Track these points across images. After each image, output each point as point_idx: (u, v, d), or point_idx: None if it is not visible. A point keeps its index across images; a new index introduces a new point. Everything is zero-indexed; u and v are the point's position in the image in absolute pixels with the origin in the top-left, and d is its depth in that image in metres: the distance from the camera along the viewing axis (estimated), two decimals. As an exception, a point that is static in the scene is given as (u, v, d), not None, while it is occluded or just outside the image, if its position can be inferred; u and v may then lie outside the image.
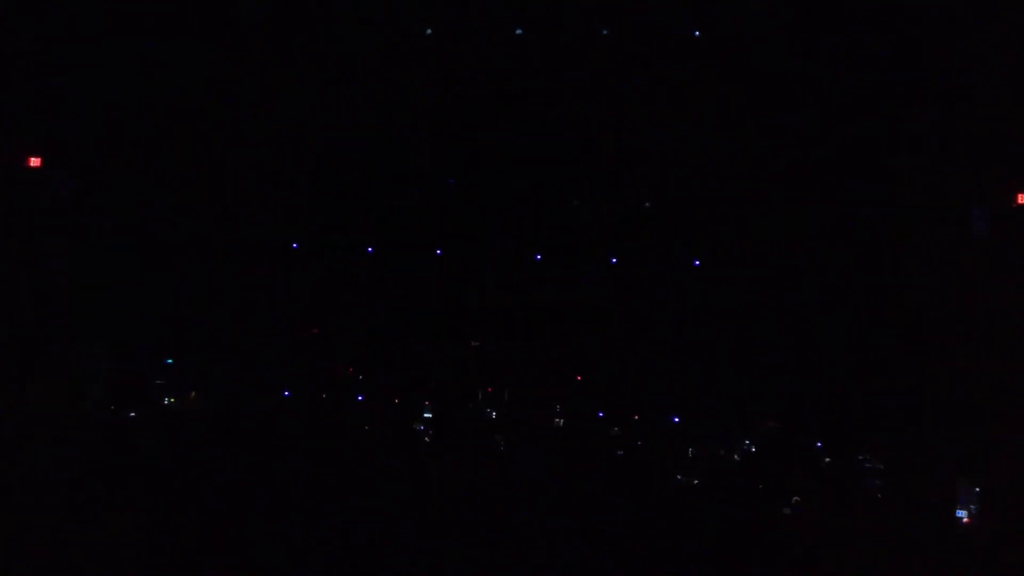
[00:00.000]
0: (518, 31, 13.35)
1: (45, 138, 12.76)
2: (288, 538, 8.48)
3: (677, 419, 12.91)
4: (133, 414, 12.37)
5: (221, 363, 13.24)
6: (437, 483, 10.54)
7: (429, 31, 13.47)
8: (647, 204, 13.79)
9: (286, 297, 13.76)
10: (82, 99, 13.00)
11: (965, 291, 11.54)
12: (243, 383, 13.14)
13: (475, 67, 13.47)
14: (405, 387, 13.35)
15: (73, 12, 12.73)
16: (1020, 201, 11.45)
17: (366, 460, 11.20)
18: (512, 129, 13.66)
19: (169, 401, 12.89)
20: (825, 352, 12.43)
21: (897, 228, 12.19)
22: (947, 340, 11.29)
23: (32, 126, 12.71)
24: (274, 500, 9.22)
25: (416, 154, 13.93)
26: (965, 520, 7.74)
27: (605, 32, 13.32)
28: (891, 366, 11.79)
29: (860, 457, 11.43)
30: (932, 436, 10.33)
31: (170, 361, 13.16)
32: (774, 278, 13.08)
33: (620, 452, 12.45)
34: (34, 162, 13.33)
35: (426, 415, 12.89)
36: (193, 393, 13.14)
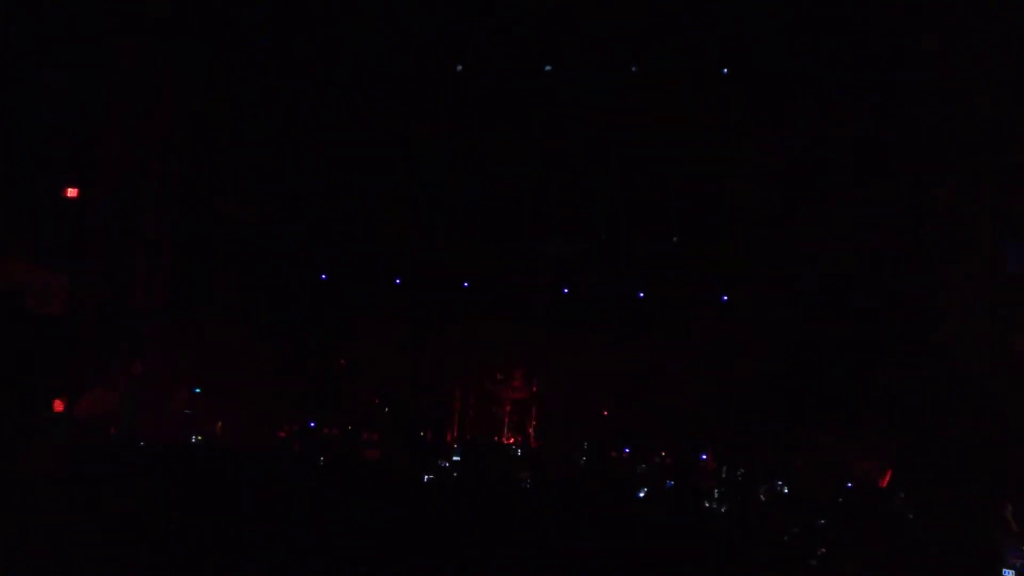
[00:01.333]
0: (547, 67, 13.48)
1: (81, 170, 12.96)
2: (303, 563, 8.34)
3: (705, 456, 12.75)
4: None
5: (248, 394, 13.27)
6: (458, 519, 10.37)
7: (460, 67, 13.63)
8: (675, 239, 13.80)
9: (314, 328, 13.85)
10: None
11: (1000, 330, 11.34)
12: (269, 414, 13.16)
13: (504, 102, 13.58)
14: (432, 422, 13.32)
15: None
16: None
17: (388, 492, 11.06)
18: (538, 161, 13.72)
19: (196, 439, 12.92)
20: (858, 391, 12.25)
21: (929, 263, 12.04)
22: (988, 386, 11.04)
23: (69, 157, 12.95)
24: (291, 528, 9.06)
25: (444, 187, 14.04)
26: None
27: (634, 69, 13.40)
28: (929, 408, 11.53)
29: (898, 505, 11.15)
30: (974, 488, 10.04)
31: (197, 390, 13.22)
32: (806, 316, 12.97)
33: (644, 490, 12.24)
34: (71, 192, 13.59)
35: (455, 458, 12.68)
36: (220, 423, 13.16)
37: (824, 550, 9.82)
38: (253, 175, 14.18)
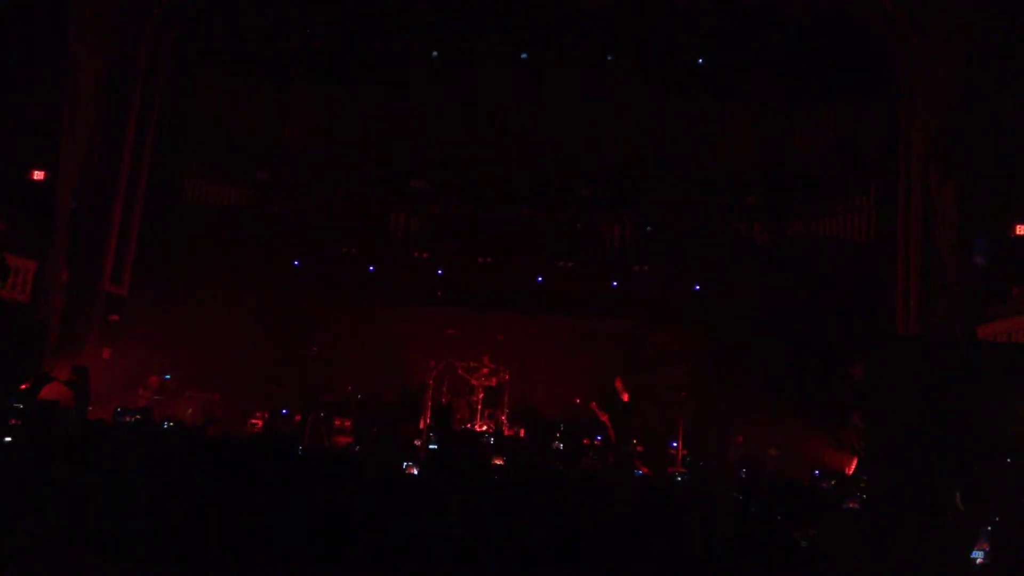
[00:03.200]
0: (523, 55, 13.48)
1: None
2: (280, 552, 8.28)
3: (675, 444, 12.86)
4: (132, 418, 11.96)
5: (220, 380, 13.16)
6: (437, 504, 10.36)
7: (435, 53, 13.59)
8: (648, 228, 13.90)
9: (286, 315, 13.78)
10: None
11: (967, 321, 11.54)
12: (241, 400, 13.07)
13: (482, 89, 13.56)
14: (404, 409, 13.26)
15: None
16: (1019, 232, 11.50)
17: (362, 480, 10.99)
18: (513, 151, 13.73)
19: (168, 425, 12.75)
20: (826, 382, 12.42)
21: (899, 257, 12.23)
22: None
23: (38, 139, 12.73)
24: (266, 516, 8.99)
25: (419, 176, 14.02)
26: (979, 561, 7.48)
27: (610, 58, 13.46)
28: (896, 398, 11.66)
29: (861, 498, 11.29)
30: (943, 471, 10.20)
31: (168, 377, 13.07)
32: (778, 306, 13.13)
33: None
34: (38, 175, 13.34)
35: (431, 446, 12.63)
36: (190, 411, 13.00)
37: (813, 532, 9.89)
38: (225, 161, 14.05)
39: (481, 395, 13.34)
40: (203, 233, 13.89)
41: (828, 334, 12.51)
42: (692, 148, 13.38)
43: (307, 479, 10.35)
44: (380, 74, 13.59)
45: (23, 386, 11.77)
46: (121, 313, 13.42)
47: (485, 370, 13.28)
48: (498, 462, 11.39)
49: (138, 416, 11.26)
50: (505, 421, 13.33)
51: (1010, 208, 11.82)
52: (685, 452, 12.82)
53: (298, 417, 13.06)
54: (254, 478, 9.88)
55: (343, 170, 14.10)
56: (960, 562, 8.25)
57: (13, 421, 9.84)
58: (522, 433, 13.17)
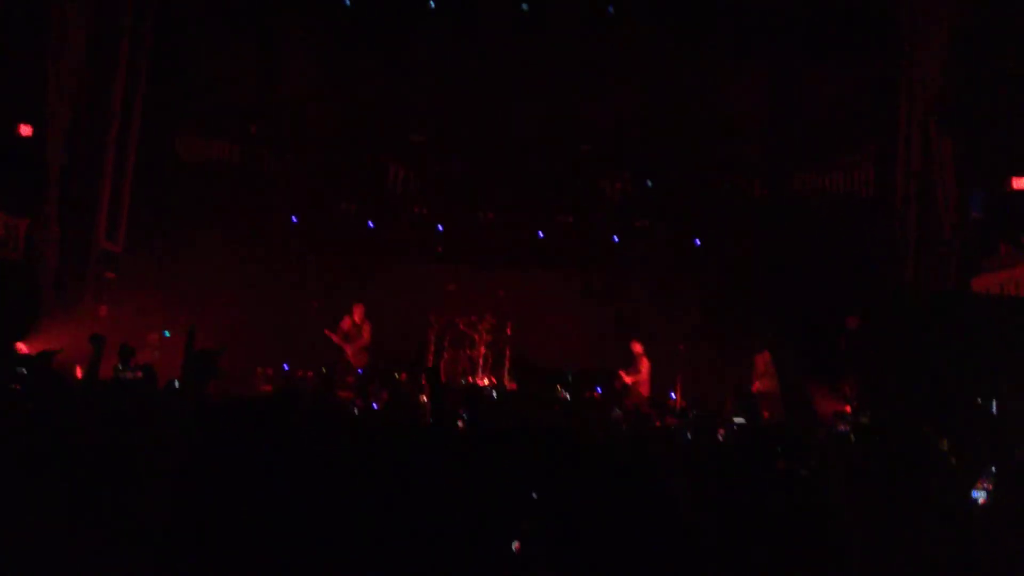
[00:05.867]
0: (523, 6, 13.28)
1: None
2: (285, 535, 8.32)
3: (673, 395, 13.06)
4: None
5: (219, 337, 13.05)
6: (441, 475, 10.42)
7: (432, 3, 13.36)
8: (648, 183, 13.91)
9: (285, 270, 13.72)
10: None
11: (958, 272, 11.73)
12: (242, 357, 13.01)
13: (481, 44, 13.39)
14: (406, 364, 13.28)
15: None
16: (1016, 186, 11.63)
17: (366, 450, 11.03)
18: (512, 105, 13.62)
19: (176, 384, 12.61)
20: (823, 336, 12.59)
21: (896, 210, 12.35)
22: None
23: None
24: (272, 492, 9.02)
25: (420, 130, 13.90)
26: (981, 501, 7.61)
27: (611, 11, 13.33)
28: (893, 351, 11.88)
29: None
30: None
31: (167, 333, 12.96)
32: (770, 257, 13.25)
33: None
34: (25, 130, 13.04)
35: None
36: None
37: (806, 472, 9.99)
38: (217, 115, 13.81)
39: (483, 350, 13.42)
40: (198, 188, 13.71)
41: (827, 287, 12.68)
42: (692, 102, 13.35)
43: (320, 437, 10.36)
44: (377, 26, 13.35)
45: (25, 352, 11.66)
46: (117, 270, 13.26)
47: (487, 325, 13.34)
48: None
49: (139, 373, 11.08)
50: (507, 376, 13.43)
51: (1008, 162, 11.95)
52: (683, 404, 13.01)
53: (299, 373, 13.07)
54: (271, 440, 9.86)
55: (339, 125, 13.92)
56: (958, 505, 8.47)
57: (16, 387, 9.73)
58: (514, 386, 13.28)
